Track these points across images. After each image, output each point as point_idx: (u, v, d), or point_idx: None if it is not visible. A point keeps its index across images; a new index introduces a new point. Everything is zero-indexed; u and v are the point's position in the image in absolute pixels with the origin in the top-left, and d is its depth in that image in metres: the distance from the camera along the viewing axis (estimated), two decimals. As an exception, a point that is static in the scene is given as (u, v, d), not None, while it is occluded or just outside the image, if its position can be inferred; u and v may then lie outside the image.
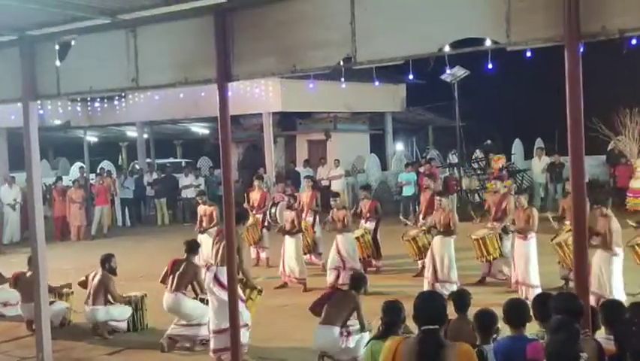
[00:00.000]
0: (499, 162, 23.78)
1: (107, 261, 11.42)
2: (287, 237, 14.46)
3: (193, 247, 10.94)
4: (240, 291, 9.51)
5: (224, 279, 9.15)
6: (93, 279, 11.37)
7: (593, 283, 10.59)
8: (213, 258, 10.08)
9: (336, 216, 14.28)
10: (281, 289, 13.93)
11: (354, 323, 8.96)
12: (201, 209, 16.13)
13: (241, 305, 9.44)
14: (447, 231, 12.81)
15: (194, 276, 10.64)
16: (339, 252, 13.86)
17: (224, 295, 9.04)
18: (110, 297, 11.32)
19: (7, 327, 12.23)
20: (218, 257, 9.86)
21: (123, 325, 11.44)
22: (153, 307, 11.60)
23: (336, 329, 8.77)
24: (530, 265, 12.21)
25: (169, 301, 10.54)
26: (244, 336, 9.47)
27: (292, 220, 14.48)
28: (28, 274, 11.26)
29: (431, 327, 4.73)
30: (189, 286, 10.72)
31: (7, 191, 22.72)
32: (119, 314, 11.34)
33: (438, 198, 13.56)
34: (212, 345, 9.66)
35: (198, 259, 11.76)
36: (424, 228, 14.17)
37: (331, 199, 14.75)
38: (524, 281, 12.20)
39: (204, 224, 15.81)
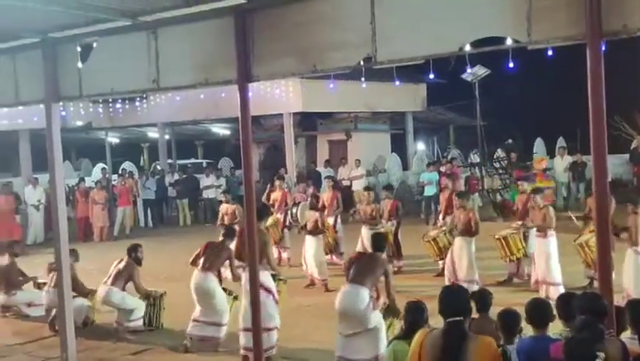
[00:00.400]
0: (542, 163, 23.70)
1: (134, 250, 11.57)
2: (308, 237, 14.51)
3: (230, 233, 10.99)
4: (275, 293, 9.61)
5: (262, 279, 9.05)
6: (118, 264, 11.50)
7: (625, 281, 10.63)
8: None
9: (364, 210, 14.37)
10: (306, 289, 14.05)
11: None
12: (223, 208, 16.29)
13: (275, 308, 9.55)
14: (468, 230, 12.75)
15: (227, 259, 10.64)
16: (364, 247, 13.92)
17: (261, 296, 8.81)
18: (129, 286, 11.45)
19: (31, 327, 12.33)
20: None
21: (140, 323, 11.51)
22: (172, 308, 11.67)
23: (365, 291, 8.33)
24: (551, 263, 12.16)
25: (198, 280, 10.50)
26: (273, 338, 9.49)
27: (315, 220, 14.50)
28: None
29: (456, 319, 4.91)
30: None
31: (30, 192, 22.90)
32: (134, 306, 11.41)
33: (456, 197, 13.57)
34: (242, 342, 9.58)
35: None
36: (444, 228, 14.15)
37: (364, 192, 14.88)
38: (545, 280, 12.16)
39: (226, 222, 15.86)
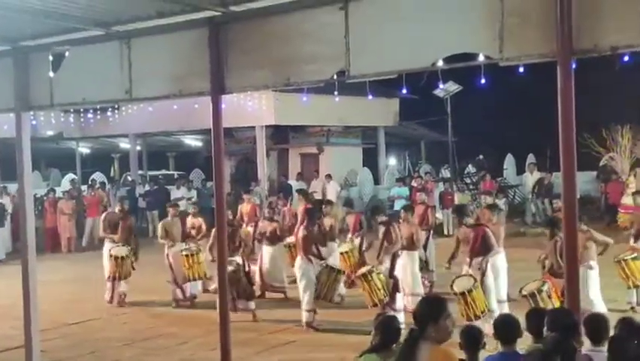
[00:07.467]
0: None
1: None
2: (265, 246, 14.44)
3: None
4: None
5: None
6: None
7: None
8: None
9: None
10: (259, 300, 13.62)
11: None
12: (190, 221, 15.58)
13: None
14: (410, 246, 12.67)
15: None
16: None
17: None
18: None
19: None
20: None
21: None
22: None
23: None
24: (500, 280, 11.75)
25: None
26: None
27: (272, 231, 14.41)
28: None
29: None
30: None
31: (-2, 201, 22.61)
32: None
33: (402, 210, 13.50)
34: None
35: None
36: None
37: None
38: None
39: (194, 235, 15.35)
